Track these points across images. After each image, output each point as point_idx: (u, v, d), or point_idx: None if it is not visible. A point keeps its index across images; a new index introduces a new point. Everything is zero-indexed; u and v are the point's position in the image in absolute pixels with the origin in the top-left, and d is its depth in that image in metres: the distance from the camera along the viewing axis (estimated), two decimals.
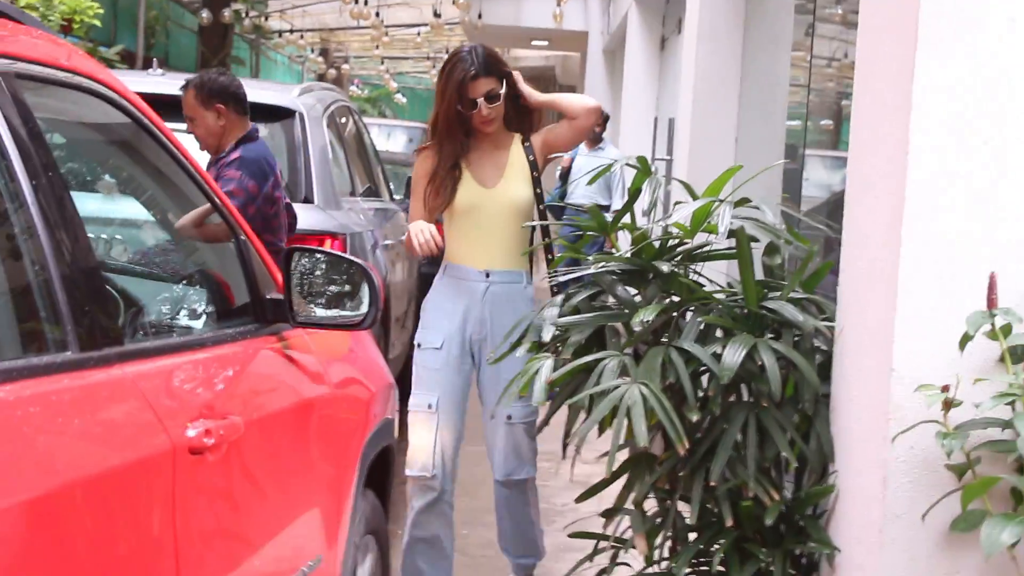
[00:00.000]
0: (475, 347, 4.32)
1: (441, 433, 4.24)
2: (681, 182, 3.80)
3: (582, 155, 10.83)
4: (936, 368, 2.69)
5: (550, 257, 4.37)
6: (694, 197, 3.55)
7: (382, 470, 3.57)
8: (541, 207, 4.39)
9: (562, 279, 3.89)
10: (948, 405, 2.60)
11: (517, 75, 4.38)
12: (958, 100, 2.74)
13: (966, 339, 2.62)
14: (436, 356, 4.28)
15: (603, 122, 11.14)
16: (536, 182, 4.37)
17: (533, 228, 4.39)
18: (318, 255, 3.01)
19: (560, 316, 3.56)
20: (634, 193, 3.64)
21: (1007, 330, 2.60)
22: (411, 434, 4.23)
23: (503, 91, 4.26)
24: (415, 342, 4.37)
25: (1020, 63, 2.73)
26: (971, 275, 2.70)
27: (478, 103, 4.23)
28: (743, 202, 3.47)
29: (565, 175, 10.95)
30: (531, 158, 4.38)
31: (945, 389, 2.61)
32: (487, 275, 4.29)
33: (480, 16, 17.52)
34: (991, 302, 2.60)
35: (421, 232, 4.08)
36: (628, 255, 3.55)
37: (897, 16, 2.87)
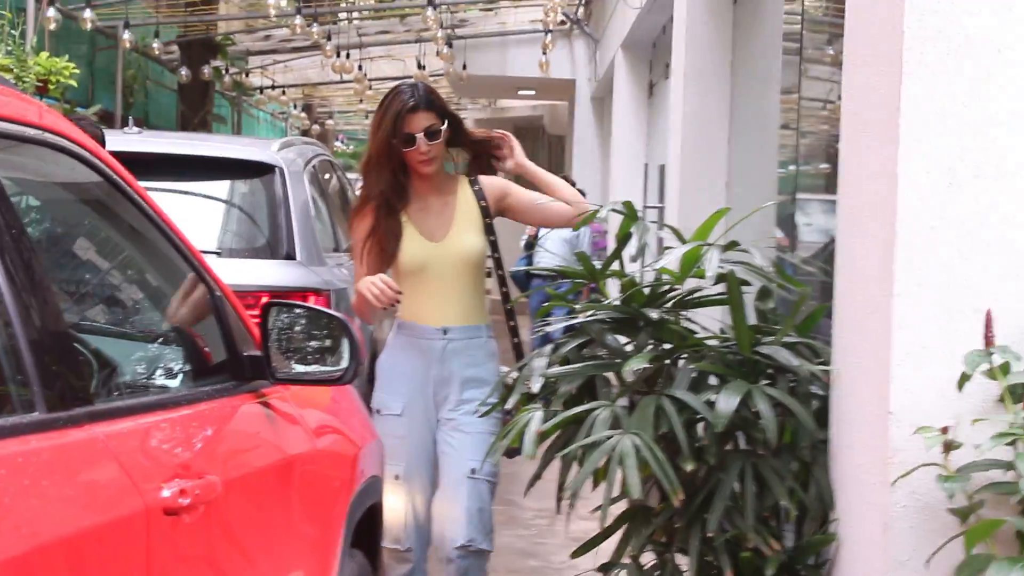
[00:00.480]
0: (438, 407, 4.09)
1: (412, 502, 4.08)
2: (669, 227, 3.80)
3: None
4: (935, 409, 2.69)
5: (509, 307, 4.22)
6: (683, 242, 3.55)
7: (370, 529, 3.54)
8: (497, 255, 4.16)
9: (548, 329, 3.86)
10: (948, 447, 2.59)
11: (508, 135, 4.21)
12: (946, 132, 2.75)
13: (964, 379, 2.62)
14: (398, 423, 4.06)
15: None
16: (489, 229, 4.12)
17: (488, 275, 4.21)
18: (297, 310, 3.01)
19: (549, 366, 3.56)
20: (622, 239, 3.64)
21: (1005, 368, 2.60)
22: (384, 501, 3.97)
23: (443, 128, 4.02)
24: (373, 407, 4.13)
25: (1008, 93, 2.74)
26: (967, 312, 2.70)
27: (416, 138, 3.99)
28: (732, 245, 3.48)
29: (531, 244, 10.94)
30: (483, 203, 4.13)
31: (944, 431, 2.60)
32: (444, 332, 4.05)
33: (465, 67, 17.62)
34: (988, 340, 2.60)
35: (372, 284, 3.81)
36: (617, 303, 3.55)
37: (882, 48, 2.89)
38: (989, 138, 2.74)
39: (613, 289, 3.77)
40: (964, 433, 2.62)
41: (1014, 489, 2.53)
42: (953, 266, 2.73)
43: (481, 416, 4.00)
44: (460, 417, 4.06)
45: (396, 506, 4.06)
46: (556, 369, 3.53)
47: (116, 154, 2.79)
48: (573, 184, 11.61)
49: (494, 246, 4.13)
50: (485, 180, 4.18)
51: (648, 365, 3.38)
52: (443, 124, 4.03)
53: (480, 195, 4.13)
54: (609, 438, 3.14)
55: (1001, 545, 2.56)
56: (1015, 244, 2.72)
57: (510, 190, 4.21)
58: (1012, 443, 2.52)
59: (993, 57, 2.74)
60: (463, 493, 4.02)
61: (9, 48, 9.61)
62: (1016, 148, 2.73)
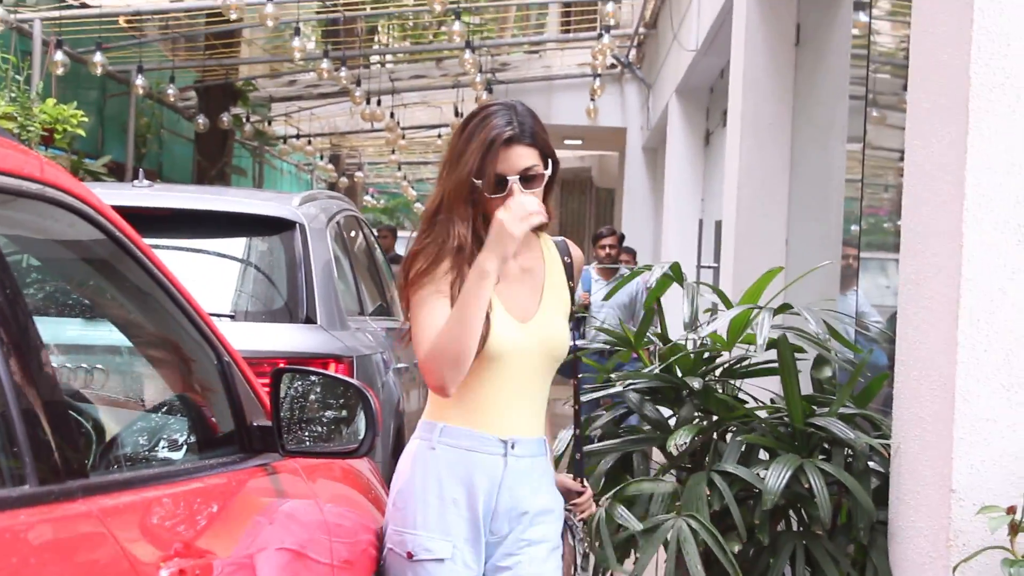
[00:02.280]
0: (490, 547, 3.21)
1: None
2: (715, 289, 3.85)
3: (596, 284, 10.84)
4: (1000, 488, 2.71)
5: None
6: (728, 306, 3.60)
7: None
8: (577, 355, 3.42)
9: (584, 399, 3.87)
10: (1015, 529, 2.60)
11: None
12: (1016, 187, 2.78)
13: None
14: (442, 573, 3.13)
15: (618, 244, 11.22)
16: (572, 319, 3.31)
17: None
18: (311, 377, 3.07)
19: (586, 441, 3.60)
20: (653, 299, 3.68)
21: None
22: None
23: (547, 172, 3.19)
24: (399, 549, 3.18)
25: None
26: None
27: (508, 182, 3.14)
28: (784, 308, 3.52)
29: (582, 313, 10.98)
30: (571, 283, 3.32)
31: (1011, 511, 2.61)
32: (511, 446, 3.16)
33: None
34: None
35: (521, 206, 3.07)
36: (656, 370, 3.59)
37: (946, 95, 2.93)
38: None
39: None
40: None
41: None
42: (1021, 330, 2.75)
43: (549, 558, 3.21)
44: (525, 566, 3.17)
45: None
46: (592, 446, 3.57)
47: (123, 209, 2.86)
48: (623, 239, 11.73)
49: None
50: (575, 252, 3.39)
51: (694, 438, 3.42)
52: (546, 167, 3.21)
53: (570, 271, 3.33)
54: (662, 523, 3.18)
55: None
56: None
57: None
58: None
59: None
60: None
61: (13, 94, 9.79)
62: None
